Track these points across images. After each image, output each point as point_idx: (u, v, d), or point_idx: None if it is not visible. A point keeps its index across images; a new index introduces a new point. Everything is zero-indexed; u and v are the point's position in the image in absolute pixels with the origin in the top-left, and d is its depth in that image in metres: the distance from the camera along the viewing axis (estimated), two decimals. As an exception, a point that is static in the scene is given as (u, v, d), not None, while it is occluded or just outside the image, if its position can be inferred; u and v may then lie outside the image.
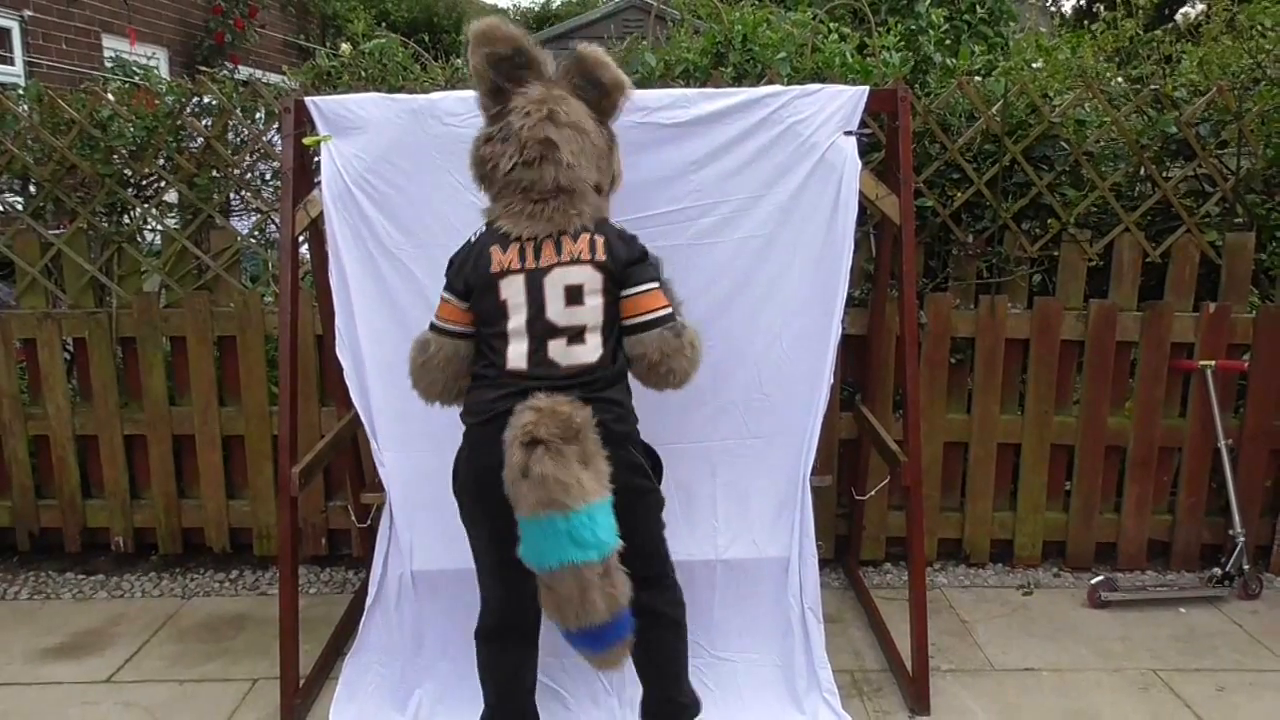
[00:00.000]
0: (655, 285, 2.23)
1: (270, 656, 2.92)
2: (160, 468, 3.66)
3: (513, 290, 2.16)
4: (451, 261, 2.29)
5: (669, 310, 2.23)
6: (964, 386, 3.60)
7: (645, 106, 2.68)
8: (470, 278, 2.22)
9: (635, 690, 2.52)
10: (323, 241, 2.84)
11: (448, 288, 2.28)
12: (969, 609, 3.38)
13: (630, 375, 2.27)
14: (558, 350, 2.16)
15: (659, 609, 2.33)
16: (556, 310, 2.16)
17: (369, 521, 3.20)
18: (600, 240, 2.19)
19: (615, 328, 2.22)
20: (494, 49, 2.19)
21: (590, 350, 2.17)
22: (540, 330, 2.16)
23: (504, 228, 2.19)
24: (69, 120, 3.51)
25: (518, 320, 2.16)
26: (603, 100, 2.27)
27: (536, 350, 2.16)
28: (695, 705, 2.44)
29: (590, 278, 2.17)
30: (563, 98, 2.22)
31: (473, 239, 2.27)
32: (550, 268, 2.16)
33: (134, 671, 3.04)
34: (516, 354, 2.16)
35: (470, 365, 2.29)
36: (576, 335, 2.17)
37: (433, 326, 2.29)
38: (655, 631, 2.31)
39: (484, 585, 2.33)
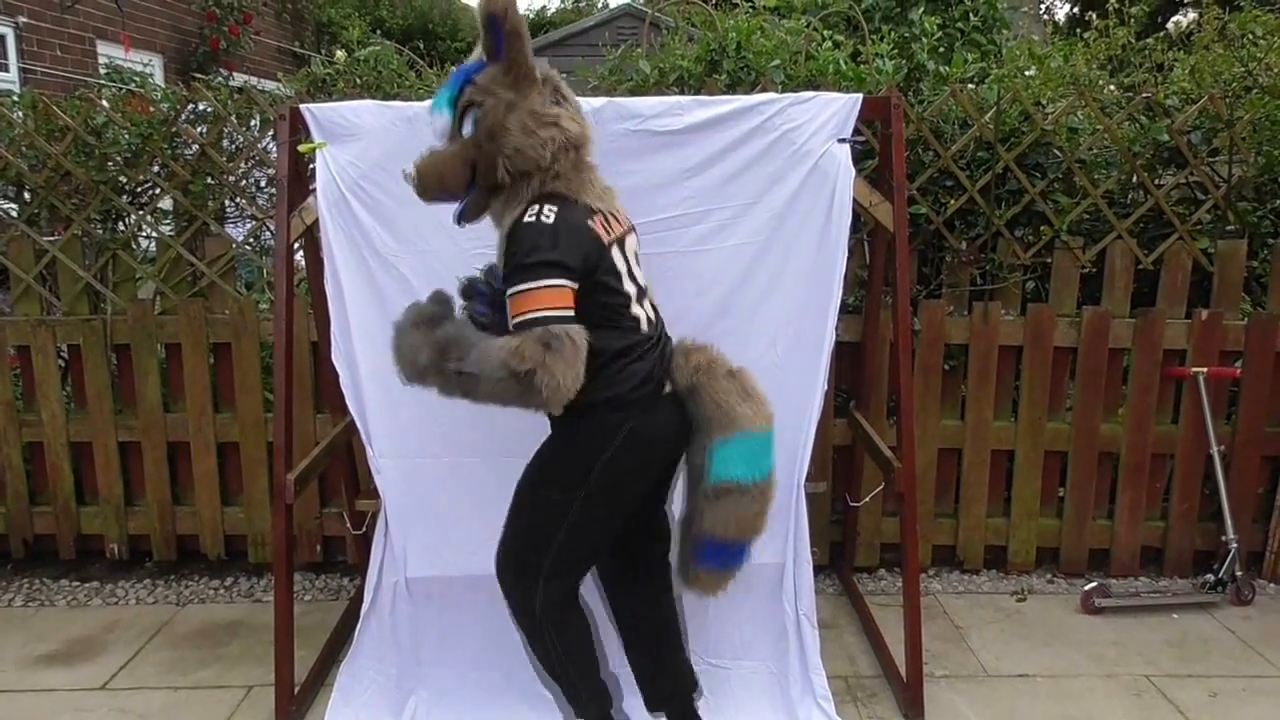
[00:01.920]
0: None
1: (265, 663, 2.91)
2: (155, 474, 3.66)
3: (618, 258, 2.20)
4: (540, 245, 2.01)
5: None
6: (957, 393, 3.61)
7: (639, 114, 2.70)
8: (588, 253, 2.08)
9: (635, 699, 2.51)
10: (318, 248, 2.85)
11: (559, 272, 2.00)
12: (963, 615, 3.38)
13: None
14: (649, 307, 2.29)
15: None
16: (640, 273, 2.27)
17: (364, 528, 3.20)
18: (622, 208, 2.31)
19: None
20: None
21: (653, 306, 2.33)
22: (641, 292, 2.25)
23: (587, 202, 2.15)
24: (64, 127, 3.51)
25: (631, 285, 2.22)
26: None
27: (645, 309, 2.26)
28: None
29: (639, 242, 2.33)
30: None
31: (547, 219, 2.04)
32: (623, 236, 2.24)
33: (128, 678, 3.03)
34: (644, 316, 2.24)
35: None
36: (648, 293, 2.31)
37: (560, 319, 1.98)
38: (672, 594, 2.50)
39: (589, 554, 2.32)
